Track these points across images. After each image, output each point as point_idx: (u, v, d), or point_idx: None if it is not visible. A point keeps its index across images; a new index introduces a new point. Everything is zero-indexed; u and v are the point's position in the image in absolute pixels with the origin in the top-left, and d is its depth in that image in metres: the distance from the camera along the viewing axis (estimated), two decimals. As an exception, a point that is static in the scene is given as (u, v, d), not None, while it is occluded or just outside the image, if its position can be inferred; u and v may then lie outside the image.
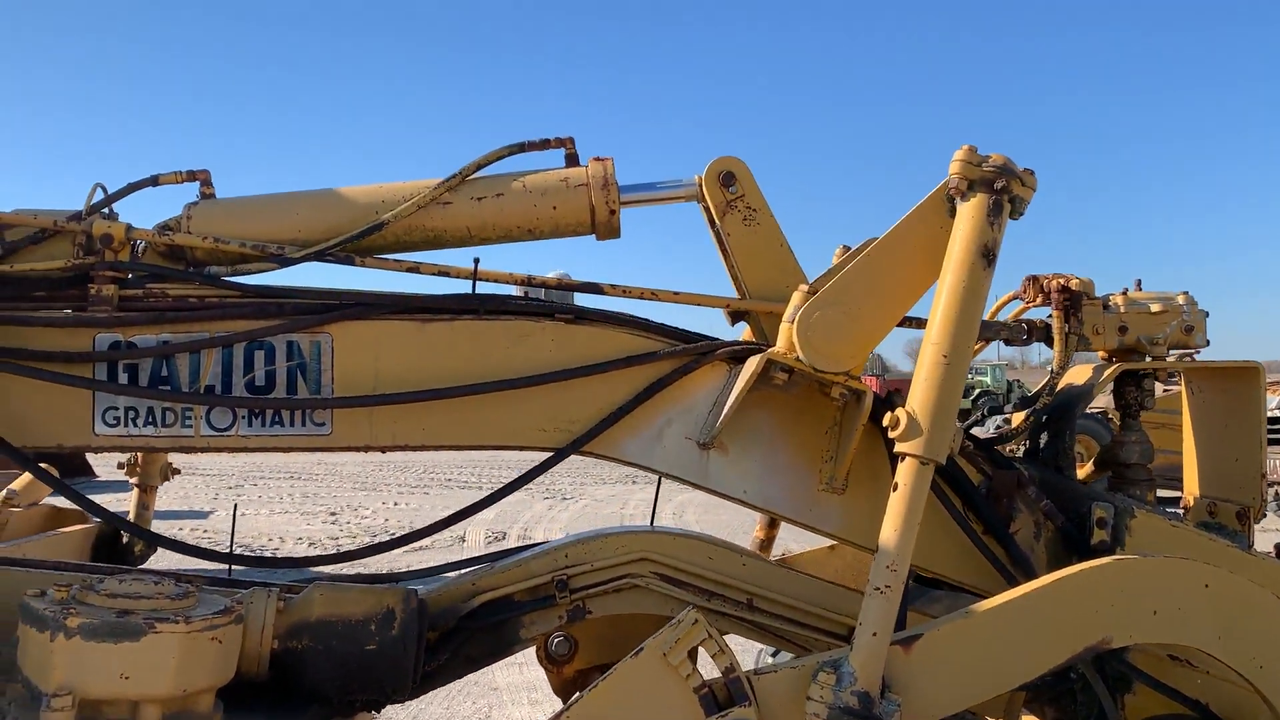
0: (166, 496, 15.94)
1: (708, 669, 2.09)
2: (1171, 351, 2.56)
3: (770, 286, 2.51)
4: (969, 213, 2.15)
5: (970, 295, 2.11)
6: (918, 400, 2.07)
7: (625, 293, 2.55)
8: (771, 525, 3.34)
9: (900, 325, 2.41)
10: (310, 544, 9.38)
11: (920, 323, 2.55)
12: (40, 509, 3.23)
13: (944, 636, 2.10)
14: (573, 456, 2.42)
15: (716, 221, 2.57)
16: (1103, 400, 3.34)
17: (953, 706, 2.21)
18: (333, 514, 15.32)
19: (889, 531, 2.04)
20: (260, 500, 17.08)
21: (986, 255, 2.12)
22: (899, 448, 2.07)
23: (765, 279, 2.55)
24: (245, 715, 2.09)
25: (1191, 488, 2.76)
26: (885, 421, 2.10)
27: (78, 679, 1.83)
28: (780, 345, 2.29)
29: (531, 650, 2.90)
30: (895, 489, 2.05)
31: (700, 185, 2.57)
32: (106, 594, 1.94)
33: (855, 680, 1.98)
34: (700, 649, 2.08)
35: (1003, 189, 2.15)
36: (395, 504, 16.31)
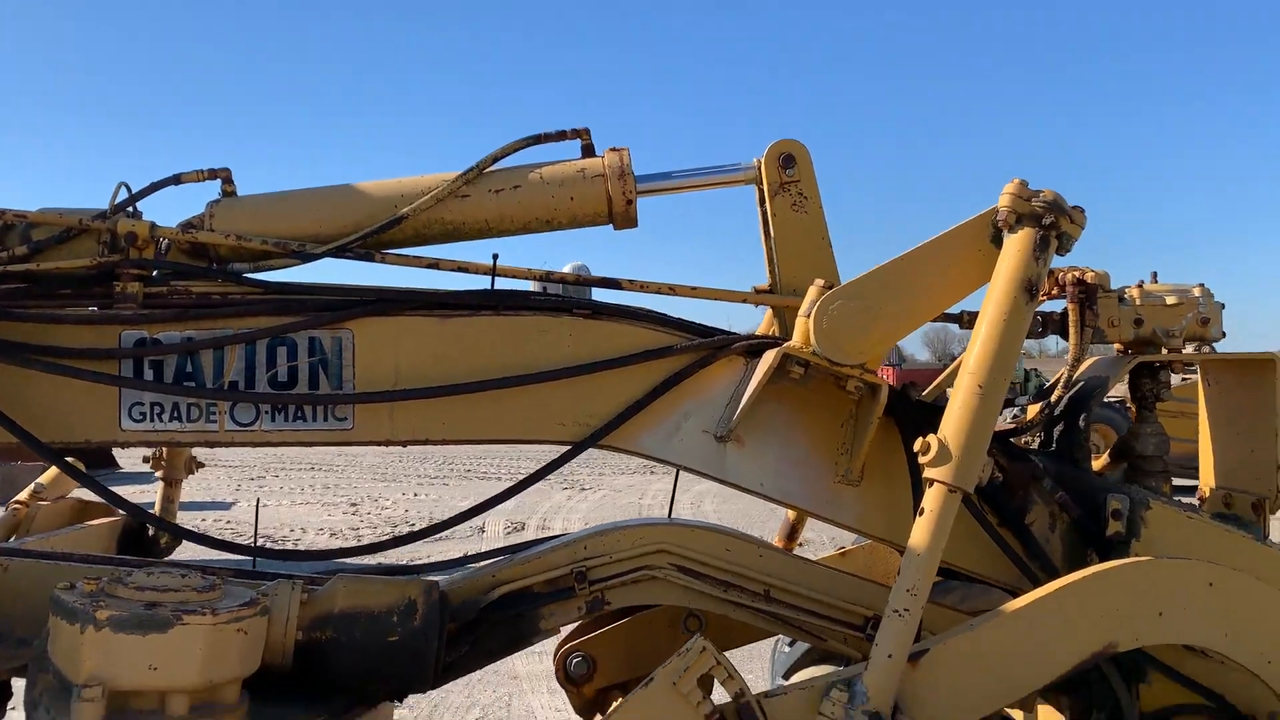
0: (189, 488, 16.05)
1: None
2: (1187, 343, 2.56)
3: (802, 281, 2.49)
4: (1015, 246, 2.18)
5: (1010, 328, 2.14)
6: (950, 428, 2.09)
7: (643, 288, 2.58)
8: (790, 537, 3.37)
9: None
10: (331, 534, 9.48)
11: (947, 316, 2.57)
12: (67, 503, 3.29)
13: (949, 651, 2.13)
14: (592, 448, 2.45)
15: (766, 201, 2.58)
16: (1121, 389, 3.33)
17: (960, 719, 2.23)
18: (353, 504, 15.45)
19: (911, 556, 2.07)
20: (282, 491, 17.23)
21: (1029, 290, 2.16)
22: (928, 473, 2.10)
23: (799, 272, 2.55)
24: (271, 706, 2.12)
25: (1207, 479, 2.75)
26: (916, 447, 2.13)
27: (107, 670, 1.87)
28: (797, 339, 2.31)
29: (552, 640, 2.95)
30: (921, 513, 2.08)
31: (759, 165, 2.58)
32: (135, 587, 1.98)
33: (868, 700, 2.01)
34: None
35: (1051, 225, 2.18)
36: (415, 495, 16.42)
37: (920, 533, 2.07)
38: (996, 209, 2.25)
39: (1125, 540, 2.43)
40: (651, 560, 2.52)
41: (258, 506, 3.55)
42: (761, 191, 2.61)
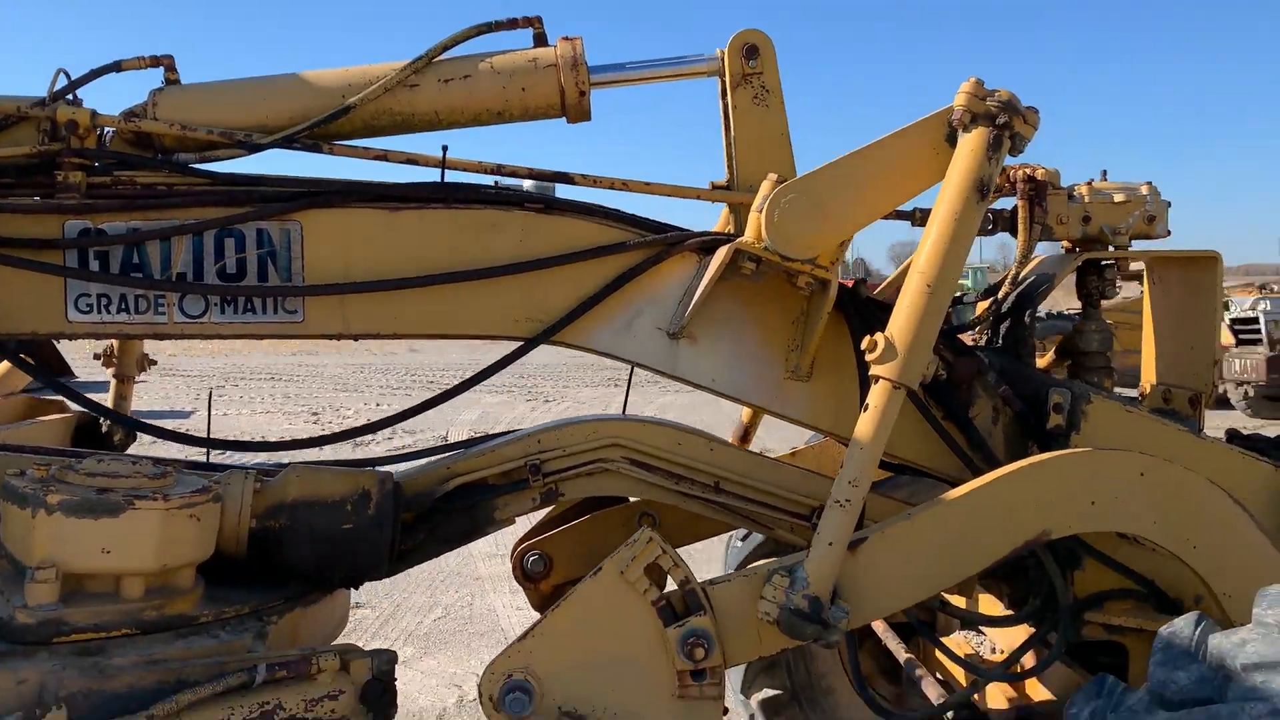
0: (147, 396, 15.99)
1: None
2: (1134, 241, 2.60)
3: (760, 177, 2.43)
4: (969, 145, 2.19)
5: (961, 227, 2.15)
6: (898, 326, 2.11)
7: (595, 183, 2.56)
8: (744, 440, 3.42)
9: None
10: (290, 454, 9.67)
11: (900, 214, 2.58)
12: (19, 399, 3.26)
13: (886, 539, 2.19)
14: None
15: (728, 94, 2.55)
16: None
17: (895, 605, 2.31)
18: (314, 414, 15.43)
19: (854, 449, 2.10)
20: (242, 400, 17.16)
21: (981, 189, 2.17)
22: (874, 370, 2.12)
23: (758, 168, 2.51)
24: (227, 591, 2.16)
25: (1148, 376, 2.83)
26: (864, 345, 2.15)
27: (60, 553, 1.89)
28: (749, 234, 2.31)
29: (512, 542, 3.00)
30: (865, 409, 2.11)
31: (722, 56, 2.54)
32: (85, 473, 1.99)
33: (808, 585, 2.06)
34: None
35: (1005, 125, 2.18)
36: (377, 405, 16.41)
37: (864, 427, 2.11)
38: (952, 108, 2.25)
39: (1065, 433, 2.49)
40: (605, 454, 2.55)
41: (210, 398, 3.53)
42: (723, 84, 2.58)
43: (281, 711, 1.93)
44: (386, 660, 2.06)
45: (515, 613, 6.14)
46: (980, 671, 2.86)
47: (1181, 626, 1.75)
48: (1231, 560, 2.21)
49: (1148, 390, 2.80)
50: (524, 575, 3.07)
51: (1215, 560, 2.22)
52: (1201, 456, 2.48)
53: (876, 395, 2.11)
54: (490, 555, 7.53)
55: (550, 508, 3.05)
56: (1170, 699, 1.61)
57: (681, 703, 2.12)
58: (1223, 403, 16.89)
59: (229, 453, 3.17)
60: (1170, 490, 2.20)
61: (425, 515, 2.47)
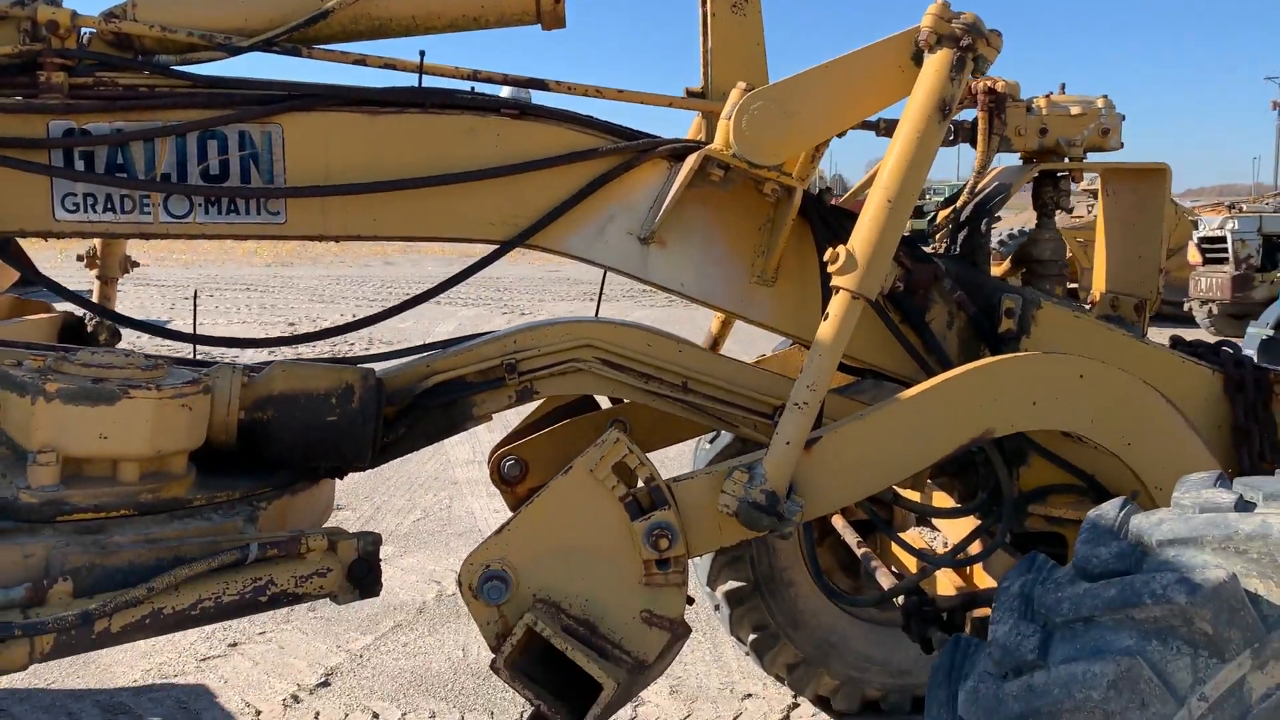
0: (122, 305, 15.92)
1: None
2: (1088, 153, 2.70)
3: (733, 86, 2.47)
4: (933, 66, 2.25)
5: (922, 145, 2.22)
6: (859, 239, 2.19)
7: (570, 89, 2.62)
8: (713, 348, 3.53)
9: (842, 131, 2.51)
10: (270, 351, 9.65)
11: (865, 124, 2.66)
12: (4, 299, 3.32)
13: (839, 437, 2.30)
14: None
15: (707, 2, 2.60)
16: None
17: (846, 499, 2.44)
18: (290, 324, 15.47)
19: (813, 355, 2.19)
20: (218, 310, 17.14)
21: (943, 109, 2.23)
22: (835, 281, 2.19)
23: (731, 77, 2.55)
24: (217, 478, 2.27)
25: (1099, 284, 2.95)
26: (826, 257, 2.23)
27: (59, 438, 1.99)
28: (718, 142, 2.39)
29: (489, 446, 3.11)
30: (826, 318, 2.20)
31: None
32: (81, 364, 2.08)
33: (765, 481, 2.17)
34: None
35: (968, 47, 2.24)
36: (354, 316, 16.43)
37: (823, 334, 2.20)
38: (919, 28, 2.31)
39: (1016, 337, 2.62)
40: (578, 354, 2.66)
41: (195, 298, 3.59)
42: None
43: (273, 587, 2.07)
44: (371, 541, 2.19)
45: (492, 515, 6.32)
46: (929, 559, 3.04)
47: (1107, 509, 1.90)
48: (1163, 456, 2.36)
49: (1097, 298, 2.93)
50: (501, 479, 3.19)
51: (1148, 456, 2.37)
52: (1143, 359, 2.62)
53: (836, 305, 2.21)
54: (468, 461, 7.70)
55: (527, 414, 3.18)
56: (1091, 572, 1.76)
57: (647, 589, 2.24)
58: (1188, 320, 17.20)
59: (214, 351, 3.26)
60: (1107, 391, 2.34)
61: (406, 411, 2.58)
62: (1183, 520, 1.75)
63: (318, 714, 3.88)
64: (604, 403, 3.19)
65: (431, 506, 6.64)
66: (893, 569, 3.39)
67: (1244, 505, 1.76)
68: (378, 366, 2.59)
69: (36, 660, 1.85)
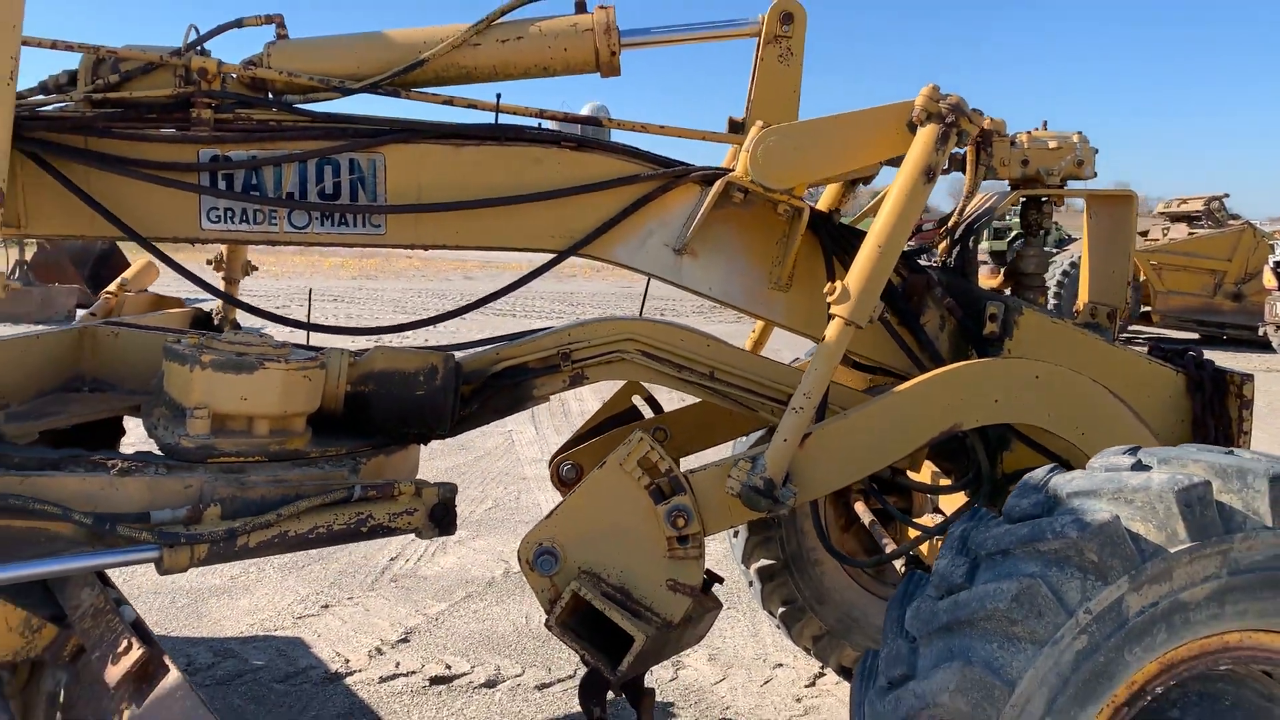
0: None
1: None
2: (1065, 181, 3.12)
3: (771, 123, 2.90)
4: (922, 139, 2.68)
5: (909, 204, 2.64)
6: (854, 276, 2.61)
7: (619, 125, 3.13)
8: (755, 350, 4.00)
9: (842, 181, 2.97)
10: (369, 340, 10.54)
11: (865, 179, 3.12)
12: (146, 295, 3.95)
13: (827, 433, 2.71)
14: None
15: (760, 49, 3.07)
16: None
17: (833, 485, 2.83)
18: (376, 333, 16.22)
19: (811, 369, 2.62)
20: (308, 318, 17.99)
21: (928, 173, 2.66)
22: (832, 310, 2.61)
23: (768, 117, 3.01)
24: (328, 438, 2.82)
25: (1083, 295, 3.36)
26: (825, 290, 2.64)
27: (210, 398, 2.54)
28: (739, 170, 2.88)
29: (553, 449, 3.61)
30: (824, 340, 2.62)
31: (763, 20, 3.06)
32: (227, 342, 2.64)
33: (765, 470, 2.59)
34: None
35: (952, 124, 2.68)
36: (436, 326, 17.15)
37: (820, 354, 2.62)
38: (913, 103, 2.75)
39: (1000, 339, 3.04)
40: (622, 346, 3.16)
41: (310, 295, 4.16)
42: (759, 42, 3.10)
43: (371, 520, 2.61)
44: (450, 490, 2.71)
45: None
46: (924, 529, 3.46)
47: (1038, 473, 2.33)
48: (1113, 442, 2.75)
49: (1080, 308, 3.34)
50: (560, 481, 3.71)
51: (1099, 443, 2.75)
52: (1110, 360, 3.02)
53: (832, 329, 2.61)
54: (535, 460, 8.26)
55: (580, 426, 3.69)
56: (1014, 517, 2.20)
57: (670, 561, 2.68)
58: (1263, 345, 17.05)
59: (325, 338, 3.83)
60: (1060, 389, 2.74)
61: (479, 390, 3.10)
62: (1087, 477, 2.18)
63: (398, 663, 4.43)
64: (647, 414, 3.70)
65: (502, 498, 7.20)
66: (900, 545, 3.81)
67: (1140, 467, 2.19)
68: (457, 354, 3.12)
69: (195, 564, 2.39)
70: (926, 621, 2.14)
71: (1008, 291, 3.33)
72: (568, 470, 3.68)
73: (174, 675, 2.02)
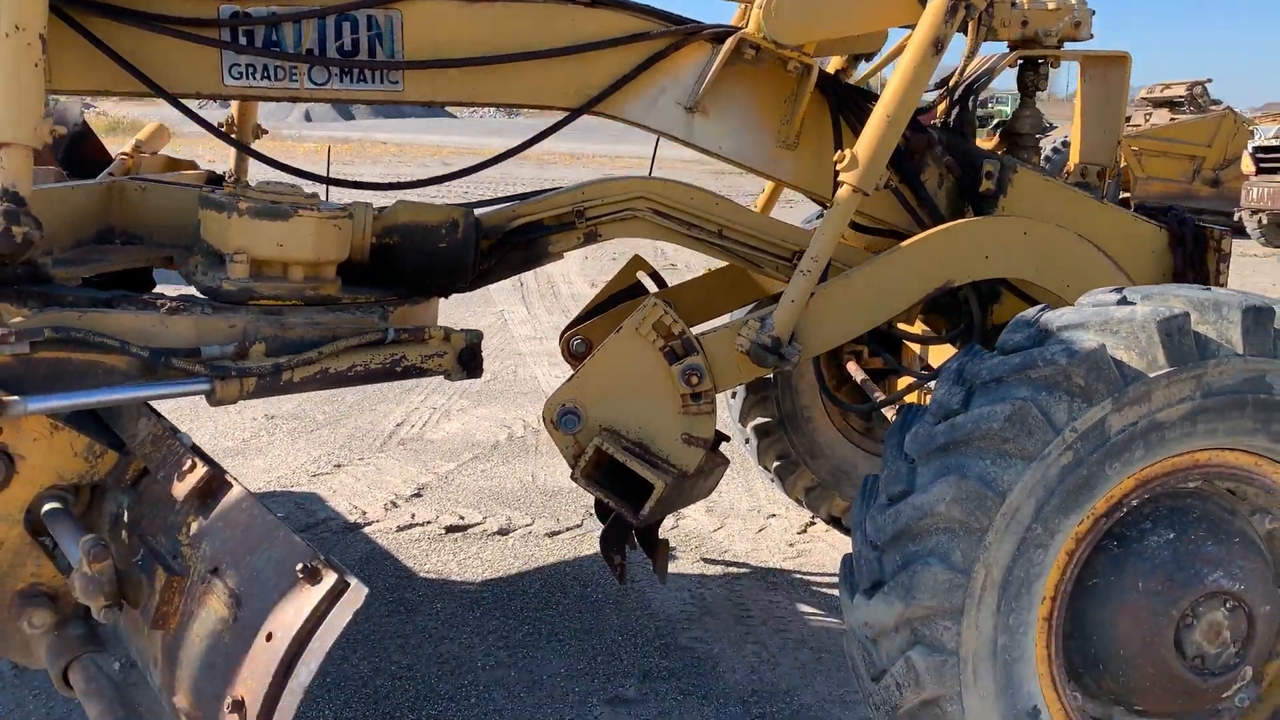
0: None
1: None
2: (1062, 43, 3.22)
3: None
4: (932, 10, 2.75)
5: (918, 74, 2.72)
6: (862, 145, 2.70)
7: (630, -18, 3.19)
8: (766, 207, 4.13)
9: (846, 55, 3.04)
10: (389, 196, 10.66)
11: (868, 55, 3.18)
12: (160, 157, 4.01)
13: (829, 294, 2.85)
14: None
15: None
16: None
17: (835, 341, 2.99)
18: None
19: (819, 234, 2.74)
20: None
21: (937, 45, 2.74)
22: (841, 177, 2.72)
23: None
24: (355, 287, 2.95)
25: (1075, 156, 3.49)
26: (835, 158, 2.74)
27: (248, 244, 2.66)
28: (751, 27, 2.96)
29: (548, 328, 3.73)
30: (831, 206, 2.74)
31: None
32: (261, 190, 2.75)
33: (772, 328, 2.74)
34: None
35: None
36: (442, 188, 17.11)
37: (828, 218, 2.75)
38: None
39: (994, 196, 3.19)
40: (634, 204, 3.28)
41: (329, 150, 4.24)
42: None
43: (405, 361, 2.77)
44: (476, 335, 2.87)
45: (551, 379, 7.05)
46: (917, 375, 3.67)
47: (1031, 311, 2.50)
48: None
49: (1071, 168, 3.48)
50: (570, 354, 3.85)
51: (1083, 294, 2.95)
52: (1098, 217, 3.18)
53: (840, 196, 2.73)
54: (528, 338, 8.43)
55: (587, 302, 3.82)
56: (1007, 349, 2.38)
57: (685, 416, 2.84)
58: (1238, 231, 17.26)
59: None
60: (1046, 244, 2.91)
61: (497, 245, 3.23)
62: (1076, 312, 2.37)
63: (414, 514, 4.67)
64: (651, 289, 3.84)
65: (500, 371, 7.39)
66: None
67: (1125, 302, 2.36)
68: (476, 211, 3.24)
69: (244, 396, 2.54)
70: (924, 444, 2.34)
71: (1003, 153, 3.46)
72: (578, 344, 3.82)
73: (238, 489, 2.19)
